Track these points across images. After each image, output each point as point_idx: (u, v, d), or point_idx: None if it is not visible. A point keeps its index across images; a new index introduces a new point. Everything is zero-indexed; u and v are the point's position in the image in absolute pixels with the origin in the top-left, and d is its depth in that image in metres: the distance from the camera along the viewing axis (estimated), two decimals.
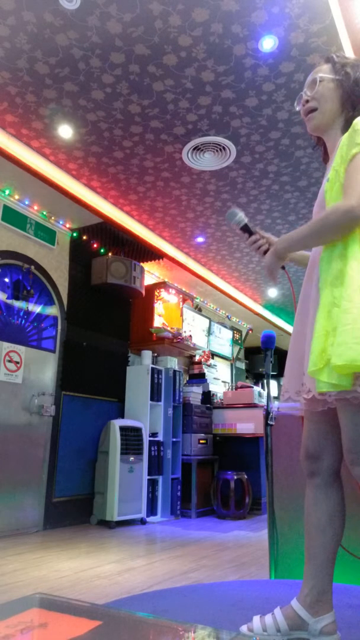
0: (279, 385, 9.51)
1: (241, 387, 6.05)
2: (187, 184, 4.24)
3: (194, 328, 6.46)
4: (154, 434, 4.98)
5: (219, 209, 4.67)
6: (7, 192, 4.16)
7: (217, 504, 5.06)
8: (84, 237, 4.93)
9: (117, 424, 4.59)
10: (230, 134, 3.57)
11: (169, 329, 5.54)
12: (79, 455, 4.59)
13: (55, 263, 4.70)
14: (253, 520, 4.92)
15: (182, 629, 1.08)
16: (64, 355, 4.59)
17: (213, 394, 6.04)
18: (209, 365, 6.69)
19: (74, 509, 4.44)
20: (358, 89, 1.45)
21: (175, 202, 4.56)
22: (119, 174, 4.11)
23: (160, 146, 3.72)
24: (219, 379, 7.00)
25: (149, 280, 5.83)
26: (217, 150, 3.76)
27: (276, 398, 7.96)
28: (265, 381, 2.81)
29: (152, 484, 4.83)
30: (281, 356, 7.51)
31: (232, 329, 7.78)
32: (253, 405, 5.58)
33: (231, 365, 7.84)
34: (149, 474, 4.74)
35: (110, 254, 5.08)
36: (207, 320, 6.86)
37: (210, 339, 6.89)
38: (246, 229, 1.64)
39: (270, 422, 2.38)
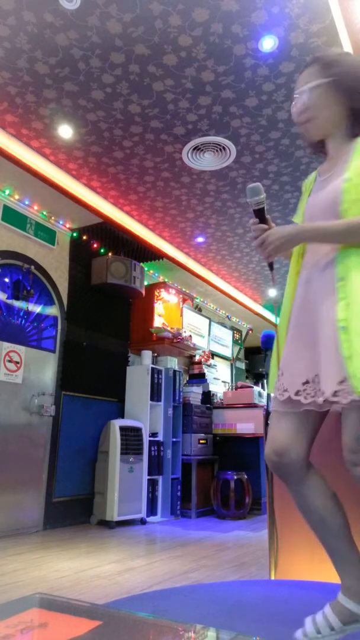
0: None
1: (241, 387, 6.04)
2: (187, 184, 4.24)
3: (194, 328, 6.46)
4: (154, 434, 4.98)
5: (219, 209, 4.67)
6: (7, 192, 4.16)
7: (217, 504, 5.05)
8: (84, 237, 4.93)
9: (117, 424, 4.59)
10: (230, 134, 3.57)
11: (169, 329, 5.54)
12: (79, 455, 4.59)
13: (55, 263, 4.70)
14: (253, 520, 4.92)
15: (182, 629, 1.08)
16: (64, 355, 4.58)
17: (213, 394, 6.04)
18: (209, 365, 6.69)
19: (74, 509, 4.44)
20: (353, 85, 1.42)
21: (175, 202, 4.56)
22: (119, 174, 4.11)
23: (160, 146, 3.72)
24: (219, 379, 7.00)
25: (149, 280, 5.84)
26: (217, 150, 3.76)
27: None
28: (265, 381, 2.81)
29: (152, 484, 4.83)
30: None
31: (232, 329, 7.78)
32: (253, 405, 5.58)
33: (231, 365, 7.84)
34: (149, 474, 4.74)
35: (110, 254, 5.08)
36: (207, 320, 6.86)
37: (210, 339, 6.90)
38: (260, 213, 1.45)
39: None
